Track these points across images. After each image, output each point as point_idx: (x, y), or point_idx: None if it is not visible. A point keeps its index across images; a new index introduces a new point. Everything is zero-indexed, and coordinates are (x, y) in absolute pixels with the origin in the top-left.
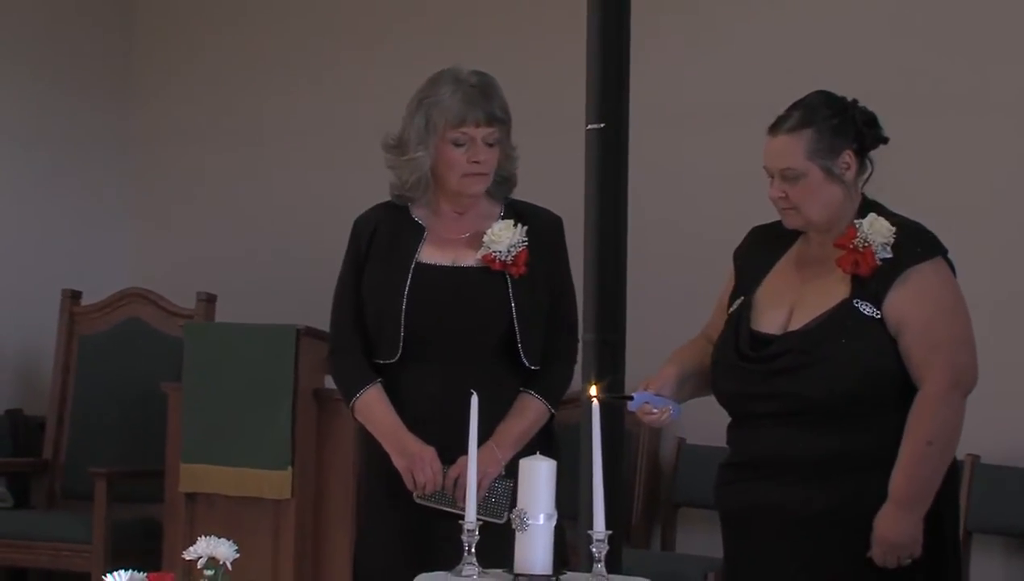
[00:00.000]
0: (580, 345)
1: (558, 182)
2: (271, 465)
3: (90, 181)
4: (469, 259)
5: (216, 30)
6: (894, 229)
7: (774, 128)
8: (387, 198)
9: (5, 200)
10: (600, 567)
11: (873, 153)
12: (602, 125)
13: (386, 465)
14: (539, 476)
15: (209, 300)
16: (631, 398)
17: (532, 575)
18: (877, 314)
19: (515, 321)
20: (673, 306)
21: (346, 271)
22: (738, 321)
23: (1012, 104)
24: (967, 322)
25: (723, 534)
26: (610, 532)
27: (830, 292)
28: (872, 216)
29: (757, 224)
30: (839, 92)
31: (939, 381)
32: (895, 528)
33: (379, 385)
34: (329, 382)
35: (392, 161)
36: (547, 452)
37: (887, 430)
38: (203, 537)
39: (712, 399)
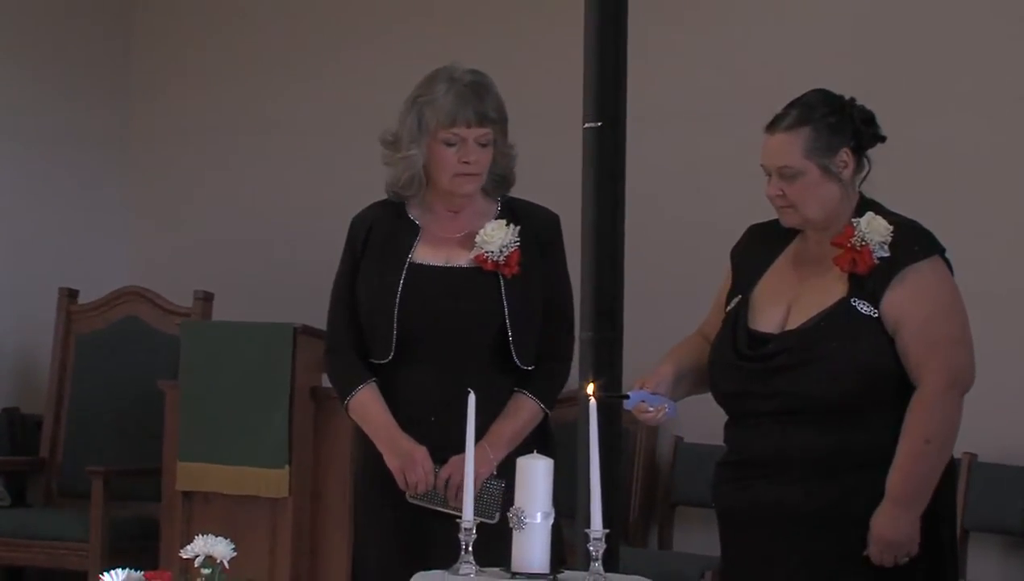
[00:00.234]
0: (577, 343)
1: (556, 180)
2: (268, 464)
3: (88, 180)
4: (462, 259)
5: (215, 30)
6: (892, 228)
7: (771, 126)
8: (385, 197)
9: (3, 199)
10: (597, 565)
11: (871, 151)
12: (599, 124)
13: (381, 464)
14: (536, 475)
15: (206, 298)
16: (627, 396)
17: (530, 574)
18: (875, 313)
19: (507, 321)
20: (671, 304)
21: (342, 270)
22: (735, 320)
23: (1012, 104)
24: (964, 321)
25: (720, 533)
26: (607, 531)
27: (828, 291)
28: (870, 215)
29: (754, 222)
30: (837, 90)
31: (936, 380)
32: (892, 526)
33: (373, 384)
34: (326, 381)
35: (387, 157)
36: (543, 451)
37: (884, 429)
38: (200, 536)
39: (709, 397)
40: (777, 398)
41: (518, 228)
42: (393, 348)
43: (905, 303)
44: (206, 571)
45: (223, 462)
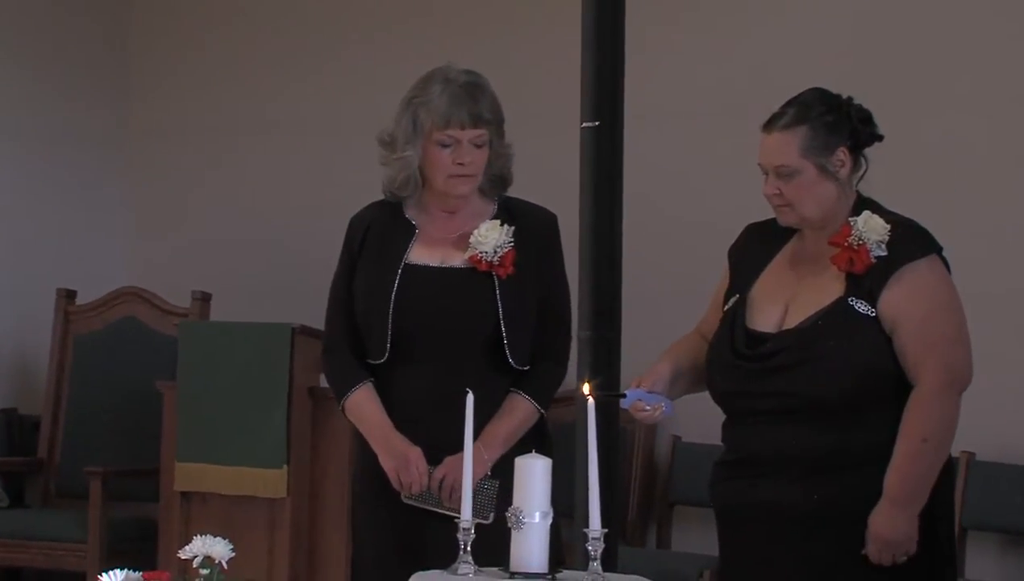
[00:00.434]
0: (575, 343)
1: (554, 180)
2: (266, 464)
3: (85, 180)
4: (457, 259)
5: (214, 29)
6: (889, 226)
7: (768, 125)
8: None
9: (1, 198)
10: (596, 565)
11: (868, 150)
12: (597, 123)
13: (377, 464)
14: (534, 474)
15: (204, 299)
16: (624, 395)
17: (528, 573)
18: (872, 312)
19: (502, 322)
20: (668, 303)
21: (340, 270)
22: (733, 319)
23: (1011, 104)
24: (962, 320)
25: (718, 532)
26: (606, 530)
27: (825, 290)
28: (867, 213)
29: (752, 221)
30: (836, 90)
31: (934, 379)
32: (890, 525)
33: (369, 384)
34: (324, 381)
35: (384, 158)
36: (541, 451)
37: (882, 428)
38: (198, 536)
39: (707, 397)
40: (775, 397)
41: (512, 228)
42: (388, 348)
43: (902, 302)
44: (204, 571)
45: (221, 462)
